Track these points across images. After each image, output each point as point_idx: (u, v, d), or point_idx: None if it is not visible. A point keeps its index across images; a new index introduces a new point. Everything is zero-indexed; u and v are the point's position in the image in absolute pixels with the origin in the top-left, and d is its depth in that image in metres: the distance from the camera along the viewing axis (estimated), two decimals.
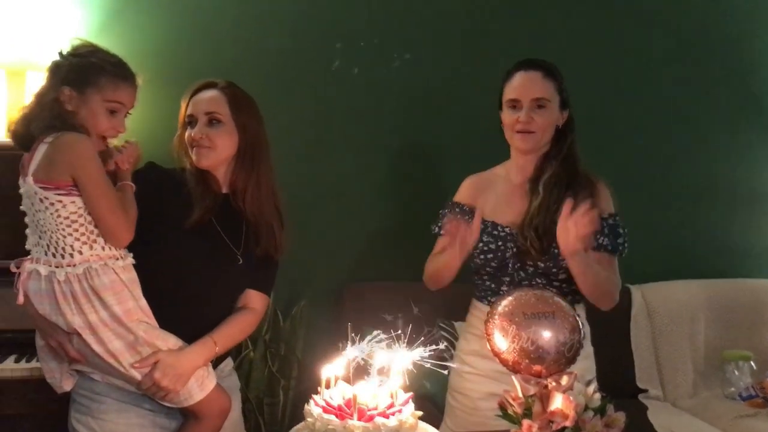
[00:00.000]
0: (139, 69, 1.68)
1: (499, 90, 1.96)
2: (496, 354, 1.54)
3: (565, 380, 1.47)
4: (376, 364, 1.45)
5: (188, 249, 1.73)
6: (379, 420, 1.33)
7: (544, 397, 1.44)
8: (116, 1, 2.60)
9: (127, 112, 1.66)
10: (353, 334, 1.50)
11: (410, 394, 1.44)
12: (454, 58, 2.90)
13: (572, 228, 1.69)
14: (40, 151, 1.55)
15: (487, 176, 2.04)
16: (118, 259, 1.61)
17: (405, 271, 2.78)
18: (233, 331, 1.80)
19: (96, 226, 1.58)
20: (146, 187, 1.70)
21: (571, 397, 1.42)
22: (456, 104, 2.88)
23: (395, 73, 2.86)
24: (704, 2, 3.14)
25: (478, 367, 1.91)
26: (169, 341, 1.67)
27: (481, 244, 1.90)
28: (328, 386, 1.44)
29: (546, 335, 1.51)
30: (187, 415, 1.74)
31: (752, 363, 2.89)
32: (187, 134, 1.77)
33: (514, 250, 1.87)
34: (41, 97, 1.60)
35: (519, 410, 1.46)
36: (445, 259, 1.88)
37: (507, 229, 1.90)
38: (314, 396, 1.42)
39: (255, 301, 1.85)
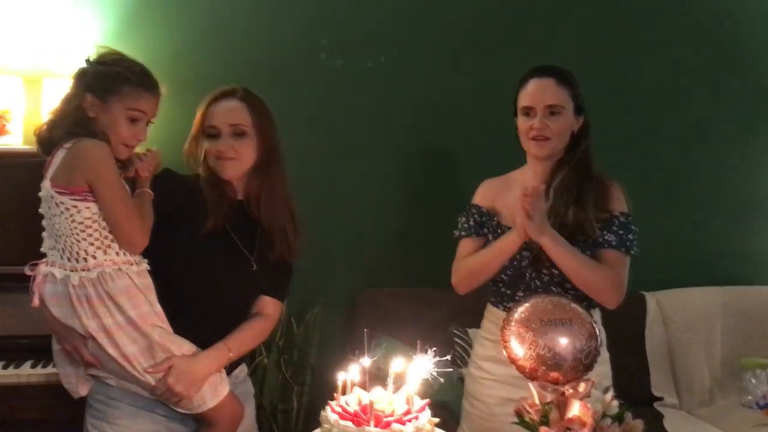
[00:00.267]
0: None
1: (514, 96, 1.96)
2: (513, 361, 1.53)
3: (582, 387, 1.46)
4: (393, 371, 1.45)
5: (203, 255, 1.74)
6: (396, 426, 1.33)
7: (562, 404, 1.43)
8: (131, 9, 2.62)
9: (149, 121, 1.67)
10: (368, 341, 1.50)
11: (427, 400, 1.43)
12: (470, 61, 2.89)
13: (519, 210, 1.75)
14: (59, 156, 1.57)
15: (503, 180, 2.03)
16: (132, 264, 1.62)
17: (419, 277, 2.81)
18: (247, 337, 1.80)
19: (110, 232, 1.59)
20: (162, 193, 1.71)
21: (589, 404, 1.41)
22: (472, 108, 2.88)
23: (410, 76, 2.86)
24: (721, 11, 3.12)
25: (494, 372, 1.90)
26: (183, 347, 1.67)
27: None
28: (344, 392, 1.44)
29: (563, 342, 1.50)
30: (200, 421, 1.75)
31: None
32: (209, 146, 1.76)
33: (530, 258, 1.86)
34: (66, 103, 1.63)
35: (536, 417, 1.45)
36: (489, 256, 1.90)
37: None
38: (330, 402, 1.42)
39: (269, 307, 1.86)
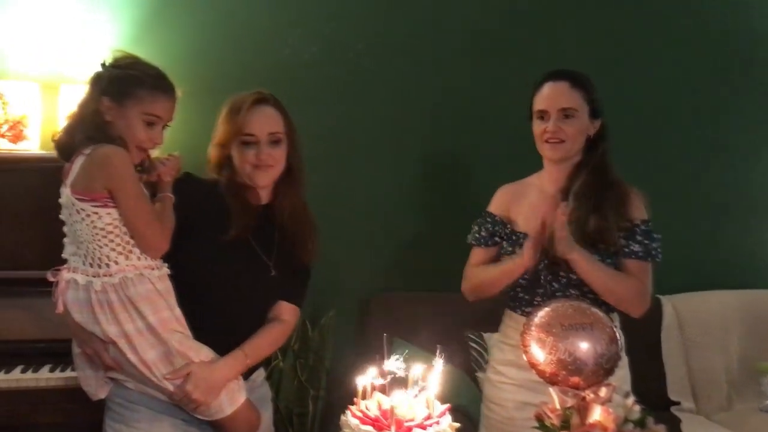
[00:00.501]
0: None
1: (529, 100, 1.96)
2: (534, 365, 1.53)
3: (603, 392, 1.45)
4: (413, 375, 1.44)
5: (223, 261, 1.74)
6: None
7: (582, 409, 1.43)
8: (147, 15, 2.63)
9: (166, 124, 1.68)
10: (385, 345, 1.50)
11: (447, 405, 1.43)
12: (486, 65, 2.89)
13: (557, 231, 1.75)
14: (78, 162, 1.57)
15: (520, 186, 2.03)
16: (153, 269, 1.62)
17: (433, 282, 2.80)
18: (264, 343, 1.80)
19: (132, 237, 1.59)
20: (184, 197, 1.71)
21: (610, 409, 1.40)
22: (486, 112, 2.87)
23: (424, 80, 2.86)
24: (734, 20, 3.11)
25: (513, 377, 1.90)
26: (201, 353, 1.68)
27: (514, 256, 1.89)
28: (364, 397, 1.44)
29: (584, 347, 1.49)
30: (217, 428, 1.75)
31: None
32: (245, 154, 1.75)
33: (546, 261, 1.86)
34: (83, 109, 1.63)
35: (557, 422, 1.44)
36: (497, 274, 1.91)
37: None
38: (351, 406, 1.41)
39: (287, 312, 1.86)
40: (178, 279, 1.68)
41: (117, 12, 2.60)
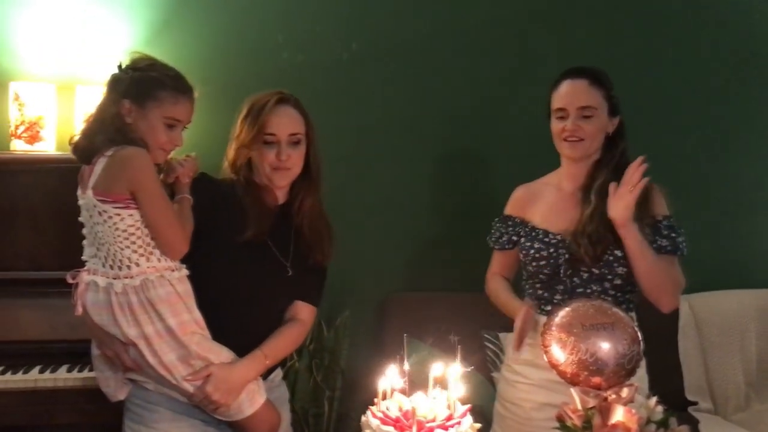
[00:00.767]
0: None
1: (547, 98, 1.95)
2: (554, 366, 1.51)
3: (625, 392, 1.44)
4: (432, 375, 1.44)
5: (240, 262, 1.75)
6: None
7: (604, 410, 1.41)
8: (162, 16, 2.64)
9: (185, 126, 1.68)
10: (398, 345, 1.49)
11: (468, 405, 1.42)
12: (503, 64, 2.88)
13: (624, 192, 1.73)
14: (100, 164, 1.57)
15: (537, 186, 2.03)
16: (173, 270, 1.63)
17: (449, 282, 2.79)
18: (283, 343, 1.81)
19: (153, 239, 1.59)
20: (201, 198, 1.72)
21: (633, 410, 1.39)
22: (503, 111, 2.86)
23: (441, 80, 2.84)
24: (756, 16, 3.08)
25: (530, 376, 1.89)
26: (221, 354, 1.68)
27: (533, 252, 1.89)
28: (384, 397, 1.43)
29: (605, 347, 1.48)
30: (237, 429, 1.75)
31: None
32: (272, 154, 1.75)
33: (567, 257, 1.85)
34: (102, 111, 1.63)
35: (578, 423, 1.43)
36: (502, 304, 1.99)
37: (559, 237, 1.88)
38: (371, 407, 1.41)
39: (303, 312, 1.86)
40: (195, 280, 1.68)
41: (132, 14, 2.60)
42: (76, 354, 2.07)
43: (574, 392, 1.46)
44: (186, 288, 1.65)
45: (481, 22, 2.87)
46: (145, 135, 1.60)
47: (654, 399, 1.45)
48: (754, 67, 3.09)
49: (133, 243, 1.57)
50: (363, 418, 1.40)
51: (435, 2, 2.85)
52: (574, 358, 1.48)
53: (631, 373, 1.50)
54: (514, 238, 1.98)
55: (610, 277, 1.83)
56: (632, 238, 1.76)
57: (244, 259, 1.74)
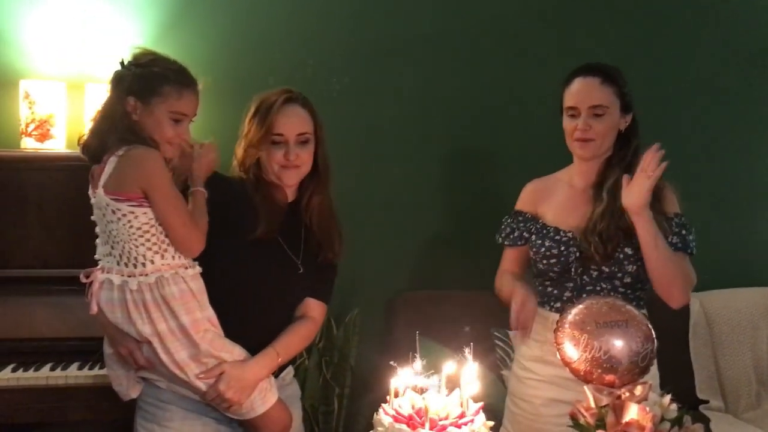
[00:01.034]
0: None
1: (559, 94, 1.94)
2: (567, 363, 1.51)
3: (639, 390, 1.44)
4: (445, 374, 1.44)
5: (250, 259, 1.74)
6: (451, 430, 1.31)
7: (618, 408, 1.41)
8: (170, 14, 2.64)
9: (191, 120, 1.67)
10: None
11: (481, 403, 1.42)
12: (511, 62, 2.87)
13: (640, 178, 1.71)
14: (111, 163, 1.57)
15: (548, 181, 2.01)
16: (187, 268, 1.63)
17: (458, 280, 2.79)
18: (294, 340, 1.81)
19: (167, 237, 1.59)
20: (213, 196, 1.71)
21: (647, 408, 1.38)
22: (511, 108, 2.85)
23: (448, 78, 2.84)
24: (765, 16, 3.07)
25: (540, 373, 1.88)
26: (234, 352, 1.68)
27: (543, 249, 1.89)
28: (396, 395, 1.43)
29: (618, 344, 1.47)
30: (249, 428, 1.75)
31: None
32: (273, 153, 1.75)
33: (578, 254, 1.84)
34: (108, 110, 1.61)
35: (591, 421, 1.42)
36: (505, 296, 1.89)
37: (570, 234, 1.88)
38: (383, 405, 1.41)
39: (314, 309, 1.86)
40: (206, 277, 1.68)
41: (140, 12, 2.61)
42: (87, 352, 2.08)
43: (587, 390, 1.46)
44: (199, 285, 1.65)
45: (489, 21, 2.87)
46: (152, 131, 1.59)
47: (668, 397, 1.44)
48: (763, 66, 3.07)
49: (148, 240, 1.57)
50: (375, 416, 1.39)
51: (442, 1, 2.84)
52: (587, 355, 1.48)
53: (644, 370, 1.49)
54: (526, 234, 1.97)
55: (620, 275, 1.82)
56: (646, 227, 1.74)
57: (254, 256, 1.74)
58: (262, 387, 1.70)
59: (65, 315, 2.13)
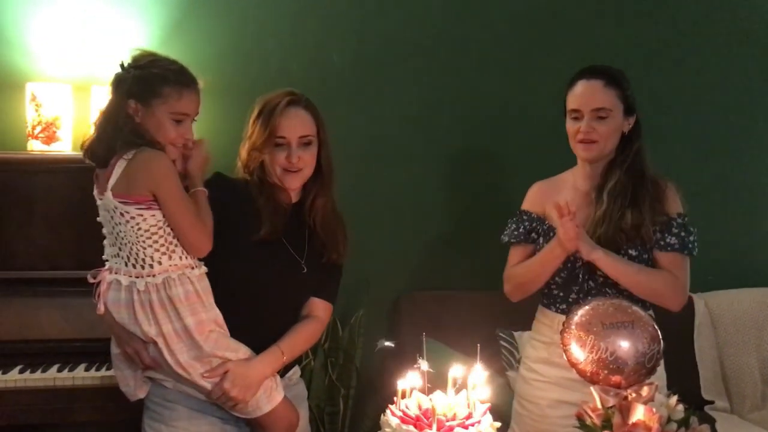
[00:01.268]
0: None
1: (562, 96, 1.94)
2: (574, 365, 1.51)
3: (645, 391, 1.44)
4: (452, 375, 1.44)
5: (255, 260, 1.75)
6: (459, 431, 1.32)
7: (624, 409, 1.41)
8: (176, 15, 2.64)
9: (193, 119, 1.67)
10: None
11: (488, 405, 1.42)
12: (516, 63, 2.87)
13: (560, 231, 1.75)
14: (119, 166, 1.57)
15: (554, 182, 2.02)
16: (193, 268, 1.64)
17: (463, 280, 2.79)
18: (299, 340, 1.81)
19: (175, 237, 1.60)
20: (215, 197, 1.71)
21: (654, 409, 1.38)
22: (516, 110, 2.85)
23: (454, 80, 2.84)
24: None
25: (546, 374, 1.89)
26: (239, 351, 1.69)
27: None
28: (404, 396, 1.43)
29: (625, 345, 1.48)
30: (256, 426, 1.75)
31: None
32: (282, 156, 1.75)
33: (584, 260, 1.84)
34: (110, 114, 1.61)
35: (598, 422, 1.43)
36: (537, 264, 1.89)
37: None
38: (390, 406, 1.41)
39: (319, 309, 1.87)
40: (212, 278, 1.69)
41: (146, 14, 2.61)
42: (94, 353, 2.09)
43: (593, 391, 1.46)
44: (205, 285, 1.66)
45: (493, 22, 2.87)
46: (154, 133, 1.59)
47: (675, 398, 1.44)
48: (763, 66, 3.07)
49: (156, 242, 1.58)
50: (382, 417, 1.40)
51: (447, 3, 2.84)
52: (593, 356, 1.48)
53: (651, 371, 1.50)
54: (533, 234, 1.97)
55: None
56: (604, 264, 1.77)
57: (259, 257, 1.75)
58: (268, 385, 1.70)
59: (72, 316, 2.14)
